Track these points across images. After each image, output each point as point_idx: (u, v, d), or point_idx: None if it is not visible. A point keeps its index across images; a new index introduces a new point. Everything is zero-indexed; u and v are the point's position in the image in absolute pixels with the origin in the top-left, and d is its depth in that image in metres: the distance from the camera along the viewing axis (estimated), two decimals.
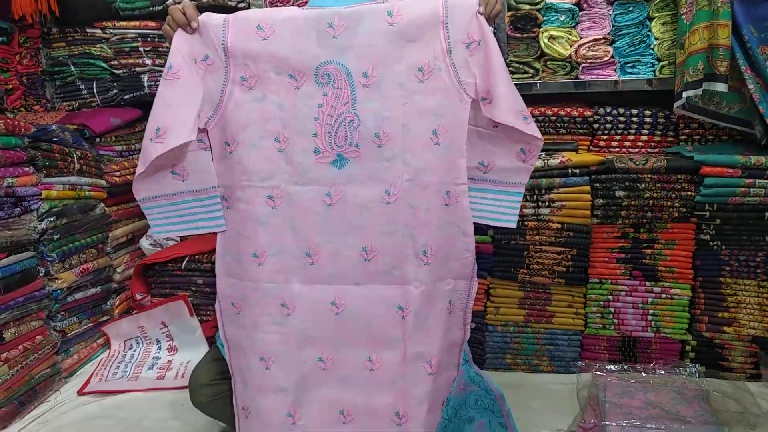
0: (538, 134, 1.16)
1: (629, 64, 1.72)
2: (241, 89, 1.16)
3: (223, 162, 1.20)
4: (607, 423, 1.35)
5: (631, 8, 1.70)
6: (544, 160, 1.64)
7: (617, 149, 1.79)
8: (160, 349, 1.91)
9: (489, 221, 1.23)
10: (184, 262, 1.90)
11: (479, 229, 1.66)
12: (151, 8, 1.98)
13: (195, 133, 1.15)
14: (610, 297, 1.69)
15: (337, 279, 1.20)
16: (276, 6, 1.92)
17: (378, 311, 1.21)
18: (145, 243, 2.06)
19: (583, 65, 1.73)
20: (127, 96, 2.06)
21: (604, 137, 1.79)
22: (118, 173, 1.98)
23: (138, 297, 1.95)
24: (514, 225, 1.23)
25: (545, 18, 1.74)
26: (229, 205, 1.21)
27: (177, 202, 1.21)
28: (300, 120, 1.16)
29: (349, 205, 1.18)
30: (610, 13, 1.71)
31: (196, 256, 1.91)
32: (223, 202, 1.22)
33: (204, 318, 1.92)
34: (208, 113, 1.17)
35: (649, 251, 1.66)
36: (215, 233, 1.24)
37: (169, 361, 1.86)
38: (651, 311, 1.68)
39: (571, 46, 1.73)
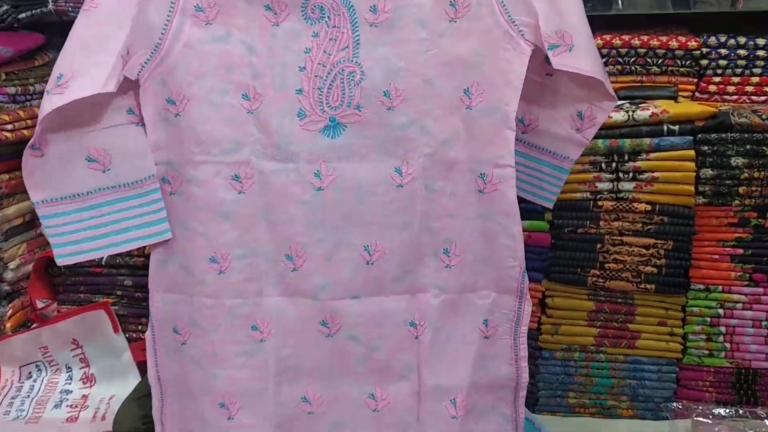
0: (613, 94, 1.18)
1: None
2: (194, 24, 1.14)
3: (164, 128, 1.18)
4: None
5: None
6: (628, 111, 1.63)
7: (735, 97, 1.78)
8: (71, 378, 1.91)
9: (522, 192, 1.28)
10: (106, 256, 1.89)
11: (533, 210, 1.69)
12: None
13: (114, 83, 1.13)
14: (721, 311, 1.69)
15: (329, 291, 1.21)
16: None
17: (383, 331, 1.23)
18: None
19: None
20: (24, 14, 2.04)
21: (716, 79, 1.77)
22: (10, 126, 1.96)
23: (39, 305, 1.95)
24: (550, 205, 1.31)
25: None
26: (173, 189, 1.20)
27: (97, 205, 1.19)
28: (279, 70, 1.15)
29: (347, 188, 1.18)
30: None
31: None
32: (164, 186, 1.21)
33: (134, 335, 1.92)
34: (142, 57, 1.15)
35: None
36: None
37: (83, 396, 1.86)
38: None
39: None
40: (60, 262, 1.19)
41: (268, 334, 1.22)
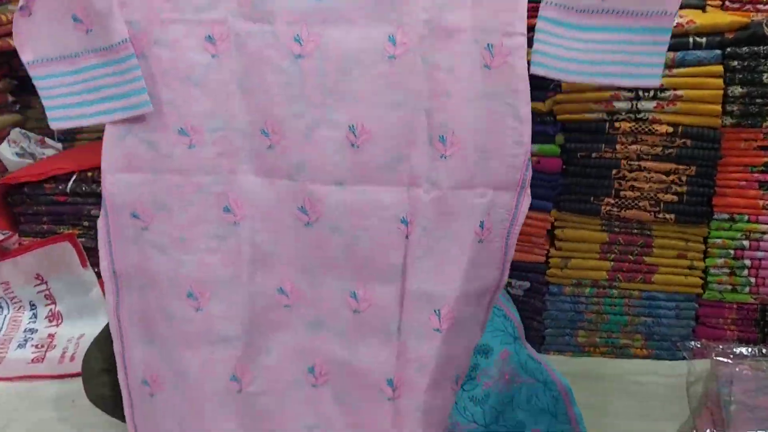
0: None
1: None
2: None
3: None
4: None
5: None
6: None
7: None
8: (35, 316, 1.93)
9: (613, 78, 1.17)
10: (71, 183, 1.89)
11: (542, 133, 1.67)
12: None
13: None
14: (746, 243, 1.69)
15: (307, 173, 1.20)
16: None
17: (369, 224, 1.22)
18: (6, 151, 2.03)
19: None
20: None
21: None
22: None
23: None
24: (657, 82, 1.17)
25: None
26: (139, 51, 1.18)
27: (83, 68, 1.19)
28: None
29: (331, 57, 1.16)
30: None
31: (90, 173, 1.89)
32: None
33: None
34: None
35: None
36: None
37: (50, 335, 1.88)
38: None
39: None
40: (53, 125, 1.21)
41: (242, 217, 1.22)
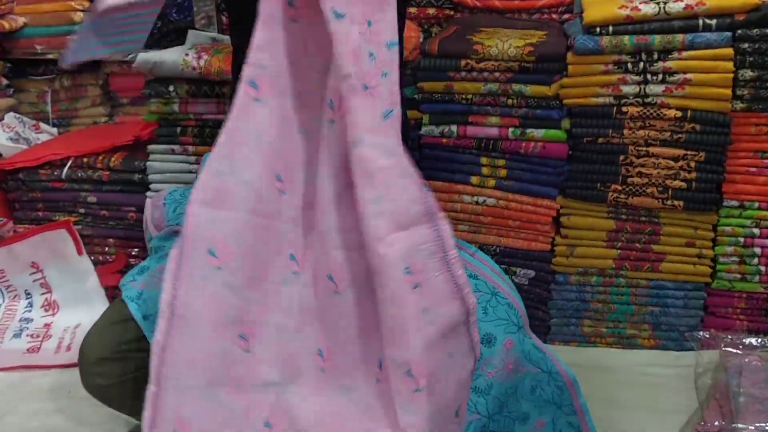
0: None
1: None
2: None
3: (276, 28, 1.18)
4: (740, 426, 1.37)
5: None
6: (659, 3, 1.59)
7: None
8: (31, 305, 1.93)
9: None
10: (66, 168, 1.90)
11: (548, 118, 1.67)
12: None
13: None
14: (756, 230, 1.69)
15: (333, 237, 1.19)
16: None
17: (380, 284, 1.20)
18: (1, 136, 2.03)
19: None
20: None
21: None
22: None
23: None
24: None
25: None
26: (260, 96, 1.19)
27: (137, 12, 1.20)
28: None
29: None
30: None
31: (85, 159, 1.90)
32: (249, 89, 1.17)
33: (101, 257, 1.94)
34: None
35: None
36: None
37: (46, 324, 1.89)
38: None
39: None
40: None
41: (302, 267, 1.22)
